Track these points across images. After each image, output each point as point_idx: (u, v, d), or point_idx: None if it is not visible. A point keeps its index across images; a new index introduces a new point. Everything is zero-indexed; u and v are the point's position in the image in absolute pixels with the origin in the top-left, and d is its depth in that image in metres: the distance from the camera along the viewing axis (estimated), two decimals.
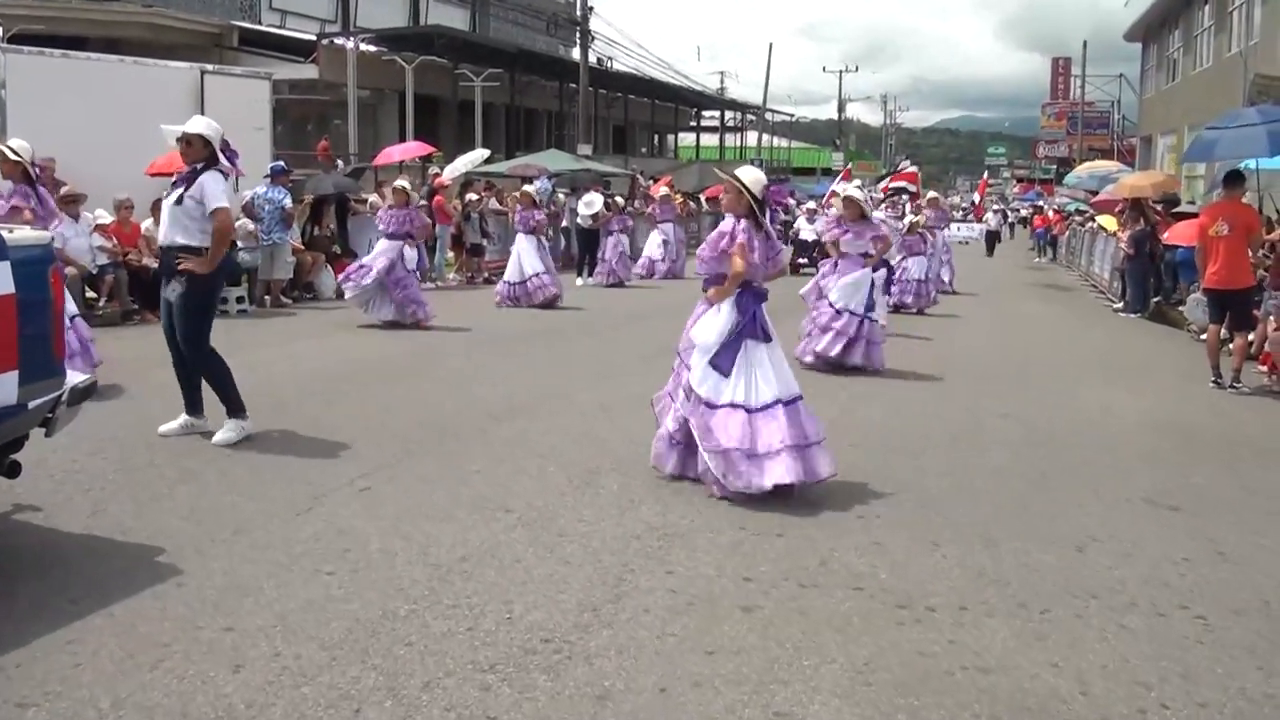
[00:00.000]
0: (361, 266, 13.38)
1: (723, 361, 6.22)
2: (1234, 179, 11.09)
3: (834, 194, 14.51)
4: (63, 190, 12.76)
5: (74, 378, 5.03)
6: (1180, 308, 16.57)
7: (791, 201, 36.92)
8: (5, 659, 3.92)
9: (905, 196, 23.92)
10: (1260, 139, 11.67)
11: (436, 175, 20.24)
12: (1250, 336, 11.07)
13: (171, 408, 7.44)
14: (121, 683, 3.78)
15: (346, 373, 10.10)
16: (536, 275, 16.45)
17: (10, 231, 4.70)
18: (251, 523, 5.53)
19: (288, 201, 15.43)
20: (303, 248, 16.48)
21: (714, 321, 6.34)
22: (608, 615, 4.48)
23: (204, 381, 7.27)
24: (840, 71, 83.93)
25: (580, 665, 4.01)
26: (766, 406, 6.14)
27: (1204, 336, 12.72)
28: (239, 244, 15.62)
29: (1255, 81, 20.57)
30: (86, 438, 6.85)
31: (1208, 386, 10.66)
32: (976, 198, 23.78)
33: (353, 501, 5.95)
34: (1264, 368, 11.28)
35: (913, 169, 26.84)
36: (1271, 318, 11.06)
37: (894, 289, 16.31)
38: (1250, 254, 11.11)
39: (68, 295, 9.00)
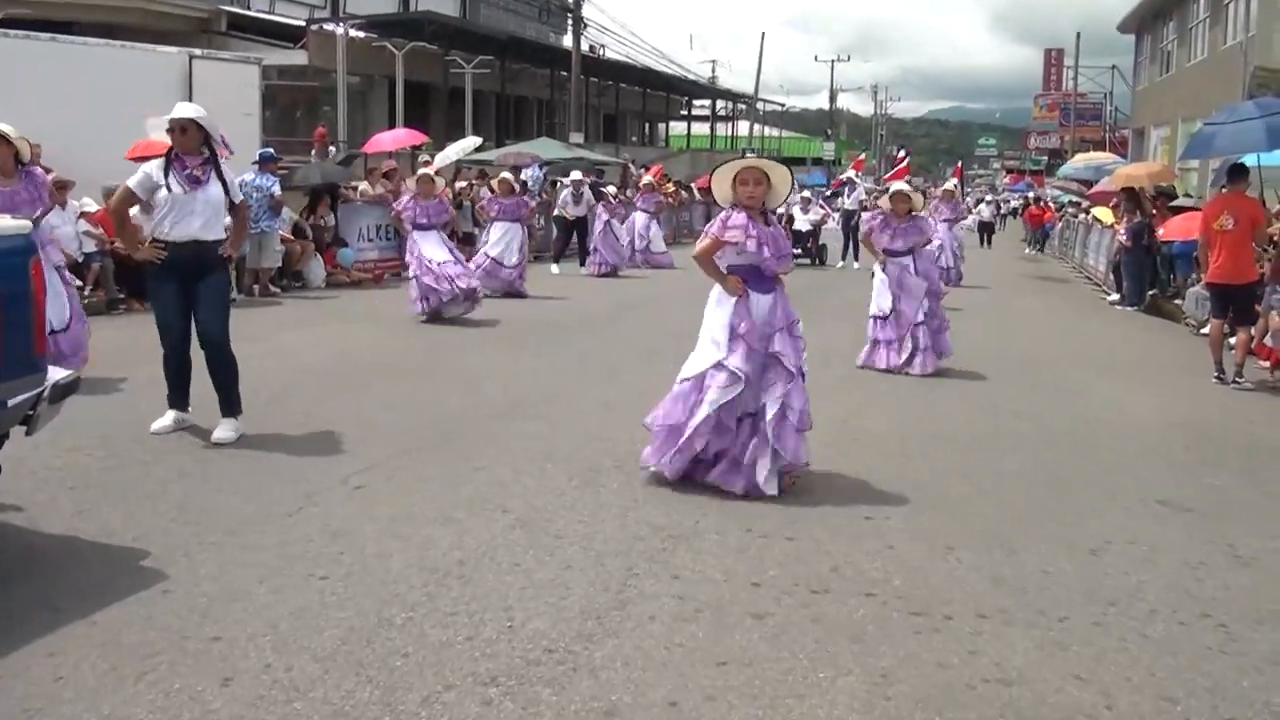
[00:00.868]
0: (434, 276, 12.89)
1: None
2: (1238, 172, 10.95)
3: (843, 181, 14.27)
4: (50, 177, 12.51)
5: (56, 374, 4.83)
6: (1177, 300, 16.46)
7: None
8: None
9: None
10: (1259, 133, 11.50)
11: (427, 163, 19.97)
12: (1251, 331, 10.95)
13: (161, 403, 7.21)
14: (105, 698, 3.60)
15: (337, 366, 9.89)
16: (519, 265, 16.25)
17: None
18: (243, 524, 5.34)
19: (276, 189, 15.16)
20: (292, 237, 16.24)
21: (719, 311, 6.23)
22: (612, 624, 4.30)
23: (211, 377, 7.04)
24: (832, 61, 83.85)
25: (586, 678, 3.84)
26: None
27: (1204, 331, 12.62)
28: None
29: (1256, 74, 20.47)
30: (71, 433, 6.63)
31: (1210, 382, 10.52)
32: (952, 184, 23.26)
33: (347, 501, 5.76)
34: (1266, 363, 11.15)
35: (905, 161, 26.58)
36: (1274, 312, 10.91)
37: None
38: (1255, 248, 10.98)
39: (75, 295, 8.86)
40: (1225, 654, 4.26)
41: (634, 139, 63.42)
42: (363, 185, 18.99)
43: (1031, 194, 46.75)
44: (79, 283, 12.60)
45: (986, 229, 36.96)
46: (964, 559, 5.21)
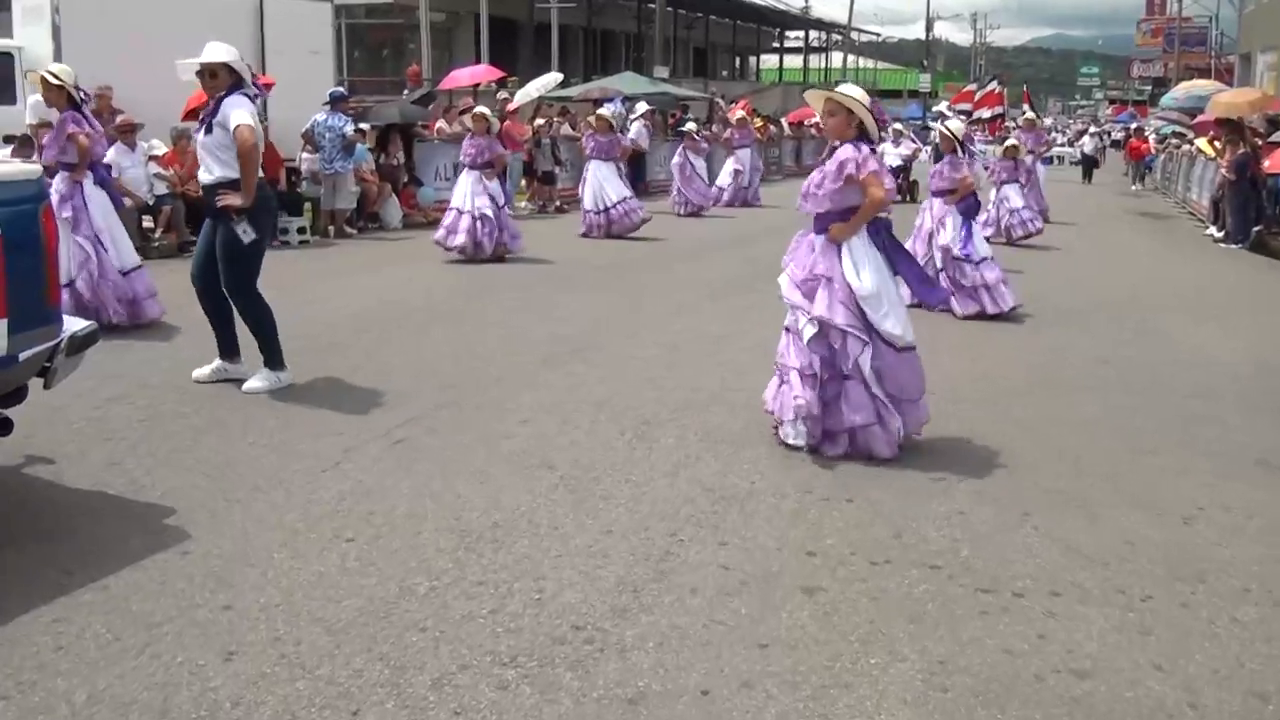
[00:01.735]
0: (458, 213, 12.89)
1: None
2: None
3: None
4: (119, 119, 12.45)
5: (73, 324, 4.63)
6: None
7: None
8: None
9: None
10: None
11: (507, 101, 19.65)
12: None
13: (210, 350, 7.03)
14: (102, 671, 3.39)
15: (401, 312, 9.66)
16: (623, 201, 15.91)
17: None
18: (273, 480, 5.12)
19: (349, 129, 14.94)
20: (371, 177, 16.07)
21: (865, 267, 5.64)
22: (649, 597, 3.98)
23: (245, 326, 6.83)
24: None
25: (613, 659, 3.54)
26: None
27: None
28: (304, 178, 15.31)
29: None
30: (117, 381, 6.50)
31: None
32: (987, 113, 21.29)
33: (386, 456, 5.51)
34: None
35: (998, 89, 25.17)
36: None
37: (992, 217, 15.41)
38: None
39: (128, 246, 8.77)
40: None
41: (724, 73, 62.47)
42: (440, 123, 18.72)
43: (1134, 125, 44.93)
44: (150, 224, 12.60)
45: (1090, 163, 35.48)
46: (1040, 525, 4.80)
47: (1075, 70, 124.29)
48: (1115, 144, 49.08)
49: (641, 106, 23.32)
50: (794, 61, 71.89)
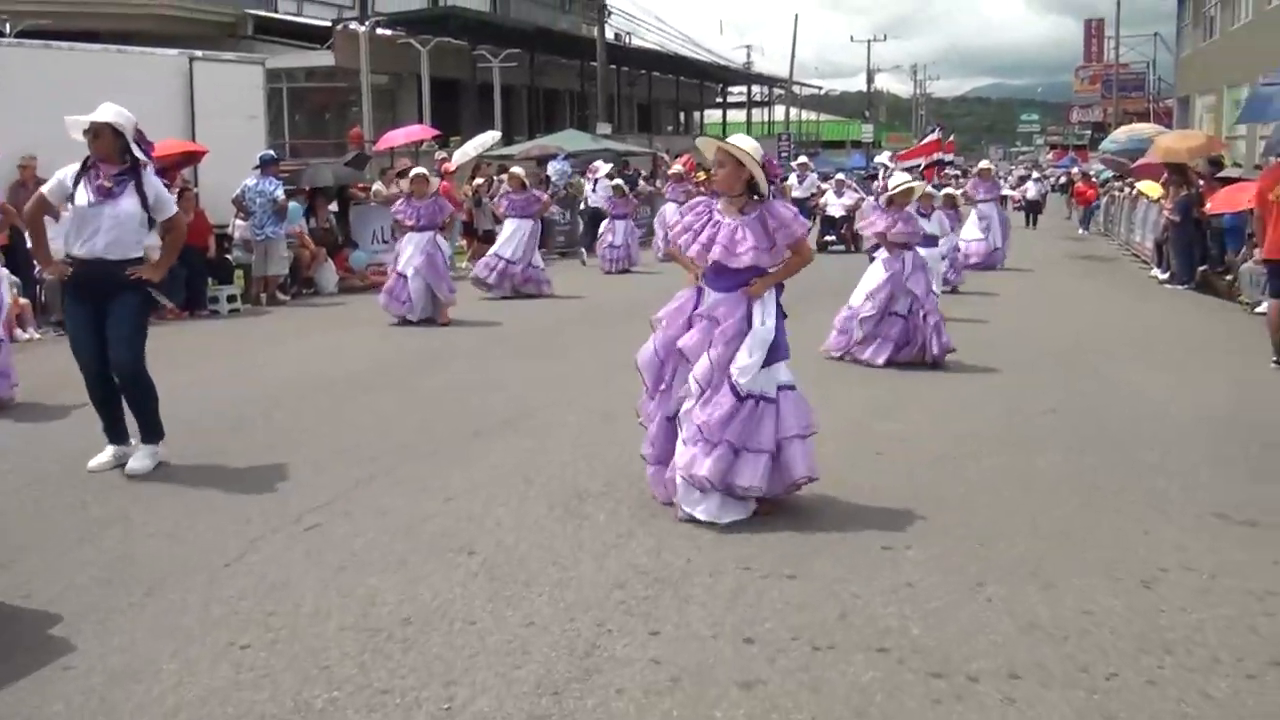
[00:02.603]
0: (400, 277, 12.57)
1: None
2: None
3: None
4: (43, 188, 12.00)
5: None
6: (1229, 276, 15.53)
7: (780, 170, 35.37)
8: None
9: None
10: None
11: (444, 161, 19.39)
12: None
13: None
14: None
15: (327, 380, 9.26)
16: (534, 268, 15.59)
17: None
18: (170, 578, 4.70)
19: (279, 193, 14.59)
20: (307, 240, 15.71)
21: (771, 316, 5.52)
22: (571, 701, 3.62)
23: (125, 401, 6.38)
24: (868, 42, 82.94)
25: None
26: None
27: (1261, 310, 11.78)
28: (234, 245, 14.93)
29: None
30: (7, 473, 6.06)
31: (1270, 367, 9.70)
32: (922, 161, 20.88)
33: (294, 545, 5.12)
34: None
35: (934, 136, 25.24)
36: None
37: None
38: None
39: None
40: None
41: (669, 128, 62.66)
42: (376, 185, 18.42)
43: (1076, 169, 45.31)
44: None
45: (1034, 208, 35.50)
46: (994, 596, 4.50)
47: (1015, 117, 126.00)
48: (1059, 188, 49.54)
49: (603, 168, 23.09)
50: (738, 116, 72.34)
